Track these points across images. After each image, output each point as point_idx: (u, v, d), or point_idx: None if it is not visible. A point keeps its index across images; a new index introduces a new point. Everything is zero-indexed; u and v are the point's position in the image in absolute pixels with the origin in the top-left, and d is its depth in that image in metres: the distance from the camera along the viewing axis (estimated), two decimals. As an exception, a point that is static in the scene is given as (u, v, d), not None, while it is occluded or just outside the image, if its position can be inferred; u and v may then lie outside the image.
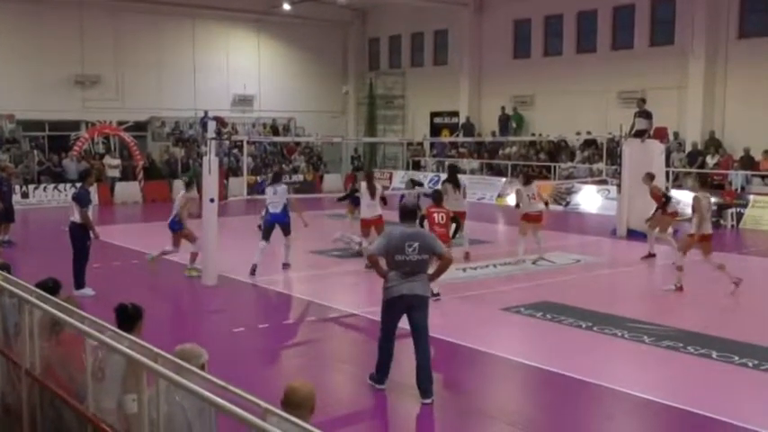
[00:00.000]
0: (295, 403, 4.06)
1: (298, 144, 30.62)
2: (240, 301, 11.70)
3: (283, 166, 29.24)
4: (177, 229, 12.94)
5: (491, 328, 9.86)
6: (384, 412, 7.49)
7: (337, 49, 34.95)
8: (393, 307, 7.27)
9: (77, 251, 11.49)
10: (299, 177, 28.83)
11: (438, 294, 10.55)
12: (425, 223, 10.52)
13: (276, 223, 13.14)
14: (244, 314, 10.86)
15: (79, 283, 11.31)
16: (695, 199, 11.95)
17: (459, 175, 15.16)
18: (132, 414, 4.18)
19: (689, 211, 12.95)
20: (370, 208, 13.59)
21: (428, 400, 7.18)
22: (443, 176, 17.06)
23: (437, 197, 11.80)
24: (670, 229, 14.85)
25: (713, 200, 20.66)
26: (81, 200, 11.46)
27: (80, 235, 11.46)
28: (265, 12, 31.36)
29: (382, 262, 7.27)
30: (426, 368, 7.25)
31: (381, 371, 7.52)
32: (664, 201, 14.60)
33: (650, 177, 15.27)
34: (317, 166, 30.57)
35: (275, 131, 31.41)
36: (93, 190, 17.60)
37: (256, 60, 32.27)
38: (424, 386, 7.22)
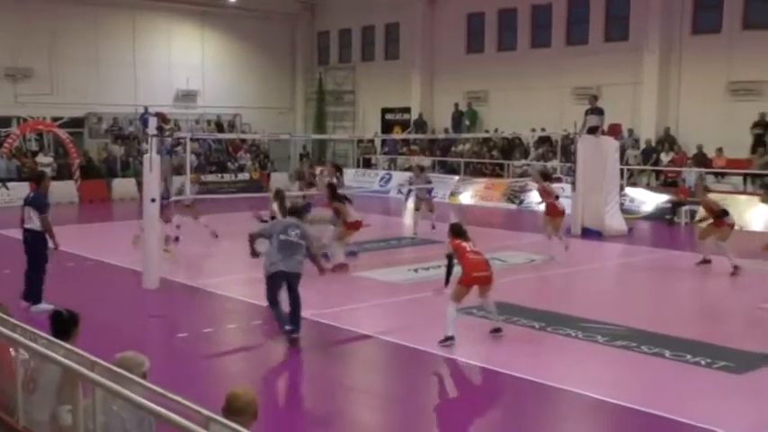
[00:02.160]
0: (237, 410, 4.06)
1: (244, 141, 30.41)
2: (183, 306, 11.59)
3: (229, 163, 29.08)
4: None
5: (441, 329, 9.94)
6: (345, 418, 7.51)
7: (285, 43, 34.81)
8: (275, 279, 9.25)
9: (35, 262, 10.80)
10: (245, 176, 28.65)
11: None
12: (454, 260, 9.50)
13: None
14: (187, 319, 10.76)
15: (37, 298, 10.65)
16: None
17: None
18: (67, 426, 4.13)
19: None
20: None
21: (297, 335, 9.14)
22: (395, 174, 17.17)
23: (463, 232, 9.83)
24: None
25: (666, 197, 21.23)
26: (40, 206, 10.75)
27: (38, 243, 10.77)
28: (209, 4, 31.11)
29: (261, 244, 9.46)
30: (298, 311, 9.34)
31: (282, 320, 9.31)
32: (721, 213, 14.23)
33: (705, 190, 15.63)
34: (263, 165, 30.39)
35: (220, 128, 31.13)
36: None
37: (200, 54, 31.98)
38: (296, 323, 9.26)
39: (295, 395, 8.19)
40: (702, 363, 8.48)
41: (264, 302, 9.82)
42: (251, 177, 28.66)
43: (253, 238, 9.67)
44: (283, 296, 9.36)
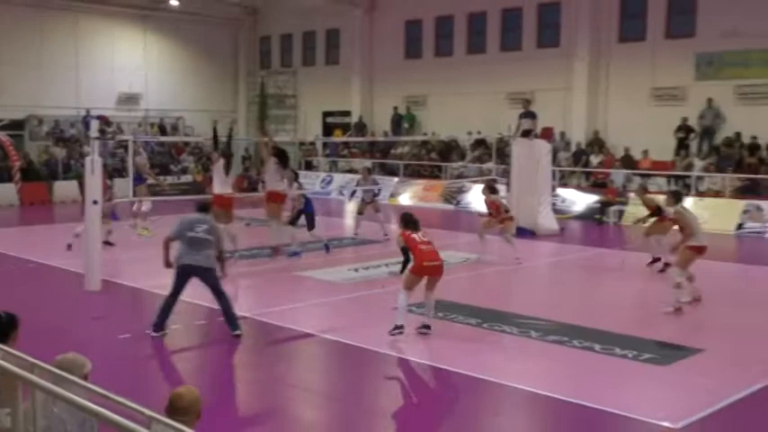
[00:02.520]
0: (180, 409, 4.01)
1: (186, 144, 30.01)
2: (126, 307, 11.39)
3: (171, 166, 28.66)
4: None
5: (382, 328, 9.95)
6: (284, 417, 7.46)
7: (228, 48, 34.48)
8: (180, 272, 9.23)
9: None
10: (188, 178, 28.26)
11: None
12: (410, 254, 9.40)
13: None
14: (130, 320, 10.56)
15: None
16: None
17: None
18: (6, 429, 4.01)
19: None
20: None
21: (238, 332, 9.22)
22: (336, 176, 17.09)
23: (414, 222, 9.78)
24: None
25: (596, 198, 21.66)
26: None
27: None
28: (152, 7, 30.62)
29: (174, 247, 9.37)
30: (228, 310, 9.30)
31: (161, 317, 9.30)
32: (657, 209, 14.35)
33: (644, 190, 15.78)
34: (206, 167, 29.98)
35: (163, 131, 30.66)
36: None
37: (143, 58, 31.41)
38: (232, 322, 9.27)
39: (238, 394, 8.11)
40: (630, 355, 8.67)
41: (207, 302, 9.72)
42: (194, 180, 28.29)
43: (167, 243, 9.46)
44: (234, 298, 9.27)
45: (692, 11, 22.44)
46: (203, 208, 9.85)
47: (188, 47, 32.56)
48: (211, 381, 8.28)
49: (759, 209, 18.76)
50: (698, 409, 7.00)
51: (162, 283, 12.47)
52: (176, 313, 11.02)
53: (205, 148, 30.69)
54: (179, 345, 9.56)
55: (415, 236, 9.47)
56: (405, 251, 9.56)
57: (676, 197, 11.63)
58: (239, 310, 9.98)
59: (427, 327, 9.50)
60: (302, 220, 15.40)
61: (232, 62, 34.72)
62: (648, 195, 15.22)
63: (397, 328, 9.14)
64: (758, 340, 9.64)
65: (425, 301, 9.64)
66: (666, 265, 13.54)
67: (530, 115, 19.24)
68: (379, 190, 19.65)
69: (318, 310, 11.09)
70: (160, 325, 9.35)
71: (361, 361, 8.73)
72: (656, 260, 14.15)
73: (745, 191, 20.10)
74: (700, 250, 10.83)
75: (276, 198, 14.04)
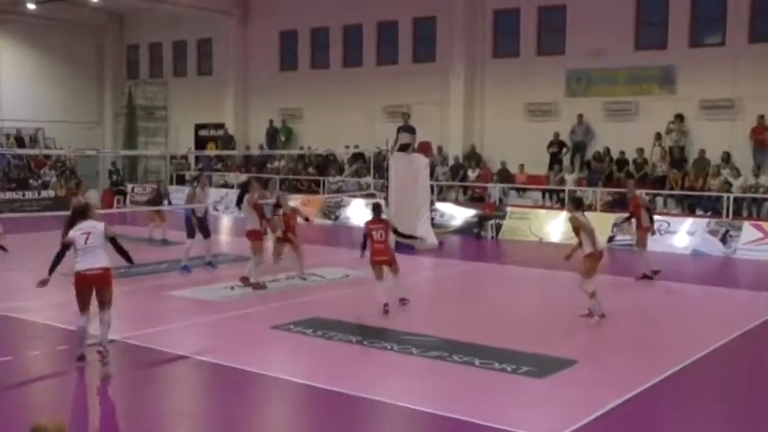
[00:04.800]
0: (43, 443, 3.81)
1: (48, 157, 28.75)
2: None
3: (31, 180, 27.39)
4: None
5: (260, 347, 9.83)
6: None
7: (92, 55, 33.35)
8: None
9: None
10: (49, 193, 27.06)
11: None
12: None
13: None
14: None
15: None
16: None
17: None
18: None
19: None
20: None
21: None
22: (210, 191, 16.72)
23: (376, 210, 12.51)
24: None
25: (474, 212, 22.19)
26: None
27: None
28: (7, 11, 29.16)
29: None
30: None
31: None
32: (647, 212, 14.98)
33: (635, 186, 16.31)
34: (69, 182, 28.84)
35: (20, 143, 29.25)
36: None
37: (-3, 65, 29.96)
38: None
39: (107, 422, 7.78)
40: (508, 369, 8.89)
41: (71, 326, 9.30)
42: (56, 195, 27.12)
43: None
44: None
45: (561, 29, 23.47)
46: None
47: (48, 54, 31.27)
48: (77, 410, 7.91)
49: (629, 222, 19.67)
50: (572, 422, 7.24)
51: (19, 306, 11.87)
52: (36, 338, 10.50)
53: (68, 161, 29.60)
54: (39, 372, 9.08)
55: (374, 233, 11.94)
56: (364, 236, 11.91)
57: (576, 204, 11.99)
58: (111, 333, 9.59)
59: (404, 300, 12.15)
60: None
61: (97, 71, 33.59)
62: (639, 195, 15.77)
63: (385, 305, 11.64)
64: (628, 351, 10.10)
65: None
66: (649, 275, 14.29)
67: (408, 129, 19.54)
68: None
69: (192, 331, 10.82)
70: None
71: (238, 383, 8.56)
72: (647, 276, 14.78)
73: (615, 205, 21.10)
74: (599, 256, 11.42)
75: (255, 236, 13.67)
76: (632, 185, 16.30)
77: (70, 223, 8.88)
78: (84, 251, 8.58)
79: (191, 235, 15.33)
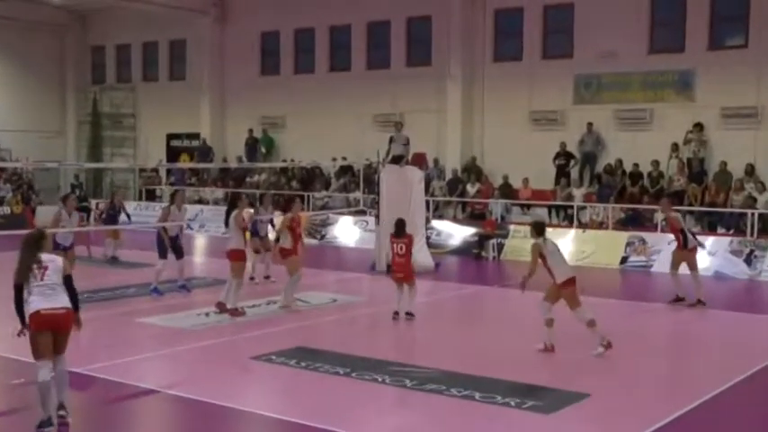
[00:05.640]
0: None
1: (3, 170, 28.70)
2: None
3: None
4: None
5: (239, 381, 9.78)
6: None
7: (52, 58, 33.39)
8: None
9: None
10: (4, 210, 26.98)
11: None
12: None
13: None
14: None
15: None
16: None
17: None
18: None
19: None
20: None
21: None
22: (185, 207, 16.64)
23: (398, 226, 13.44)
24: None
25: (473, 230, 22.18)
26: None
27: None
28: (-41, 10, 29.24)
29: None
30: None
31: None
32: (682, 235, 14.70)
33: (670, 203, 15.76)
34: (27, 197, 28.75)
35: (-28, 154, 29.24)
36: None
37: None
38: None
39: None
40: (512, 403, 8.87)
41: (28, 358, 9.22)
42: (12, 212, 27.04)
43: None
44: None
45: (568, 31, 23.59)
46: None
47: (3, 57, 31.31)
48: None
49: (643, 241, 19.75)
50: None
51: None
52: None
53: (25, 174, 29.55)
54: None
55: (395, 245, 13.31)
56: None
57: (538, 229, 11.81)
58: (70, 364, 9.55)
59: (409, 314, 13.12)
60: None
61: (58, 75, 33.64)
62: (674, 213, 15.21)
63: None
64: (646, 383, 10.09)
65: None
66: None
67: (401, 140, 19.57)
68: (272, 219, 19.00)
69: (164, 362, 10.77)
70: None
71: (213, 419, 8.51)
72: (679, 299, 14.70)
73: (628, 222, 21.15)
74: (571, 282, 11.27)
75: (237, 256, 13.51)
76: (666, 203, 15.65)
77: (22, 257, 8.05)
78: (40, 288, 7.85)
79: (162, 255, 15.29)
